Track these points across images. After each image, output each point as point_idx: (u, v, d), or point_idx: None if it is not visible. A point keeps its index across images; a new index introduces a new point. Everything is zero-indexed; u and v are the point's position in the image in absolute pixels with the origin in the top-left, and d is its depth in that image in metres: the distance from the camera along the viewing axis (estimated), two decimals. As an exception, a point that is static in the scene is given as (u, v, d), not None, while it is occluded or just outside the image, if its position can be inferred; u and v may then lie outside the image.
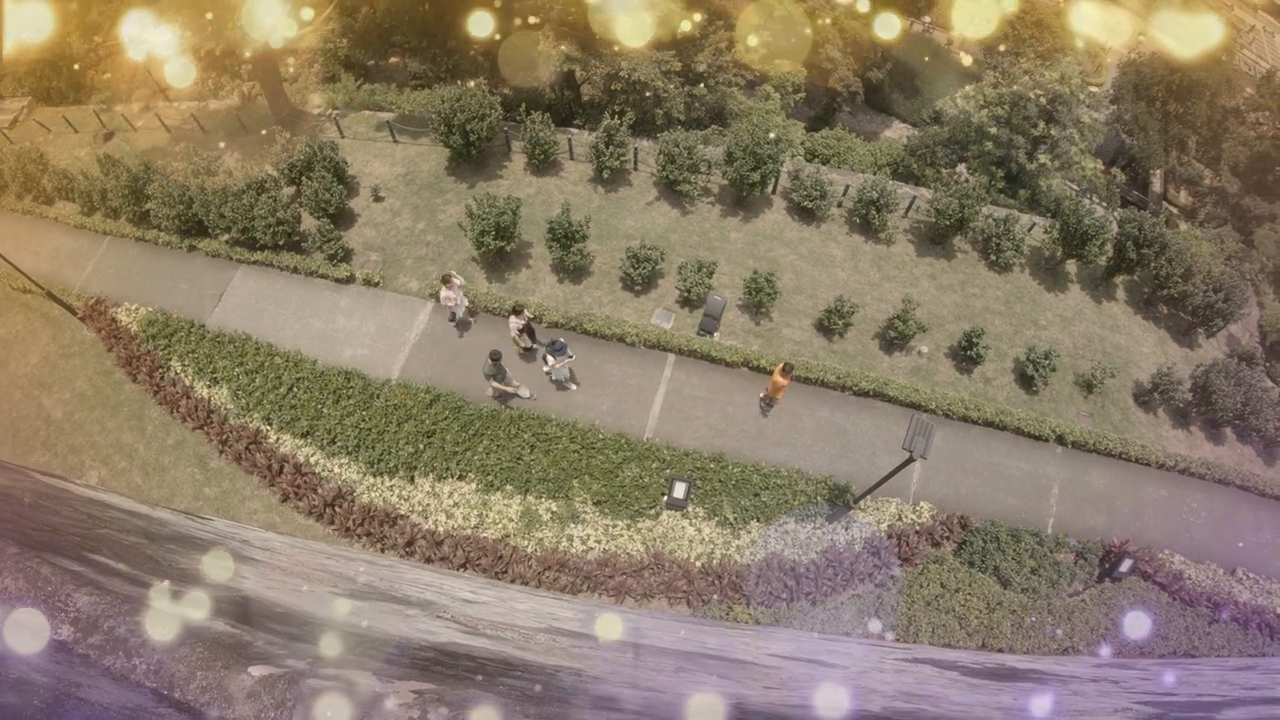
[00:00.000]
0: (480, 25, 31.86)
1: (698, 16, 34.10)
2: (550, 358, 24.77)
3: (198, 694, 4.64)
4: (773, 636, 19.05)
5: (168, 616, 5.63)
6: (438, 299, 27.67)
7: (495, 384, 25.00)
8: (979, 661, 16.50)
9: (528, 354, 26.84)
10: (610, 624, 14.91)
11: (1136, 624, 24.45)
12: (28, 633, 4.82)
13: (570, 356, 25.18)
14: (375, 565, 19.69)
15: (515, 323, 24.97)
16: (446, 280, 25.41)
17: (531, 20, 33.89)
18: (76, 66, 40.75)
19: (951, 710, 9.63)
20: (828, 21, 42.62)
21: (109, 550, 9.33)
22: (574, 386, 26.58)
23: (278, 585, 11.57)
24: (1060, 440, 27.17)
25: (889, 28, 42.66)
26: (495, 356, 23.69)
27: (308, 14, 30.74)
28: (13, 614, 4.87)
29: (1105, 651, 23.76)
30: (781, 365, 24.50)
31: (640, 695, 7.93)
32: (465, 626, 10.80)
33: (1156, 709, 11.50)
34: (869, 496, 24.13)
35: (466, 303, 26.81)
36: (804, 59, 41.83)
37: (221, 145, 35.29)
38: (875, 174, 35.00)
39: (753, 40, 37.81)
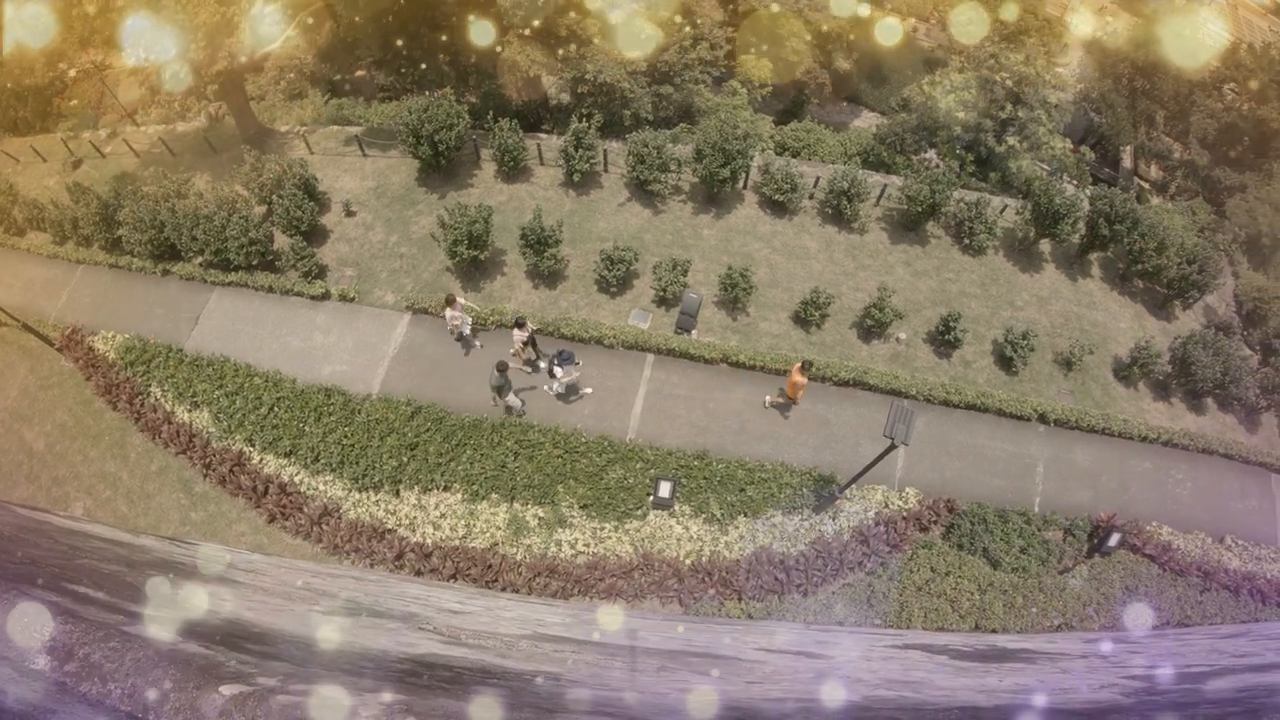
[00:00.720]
0: (445, 35, 31.87)
1: (665, 17, 34.13)
2: (558, 369, 24.71)
3: (171, 715, 4.69)
4: (762, 630, 19.05)
5: (143, 641, 5.65)
6: (418, 312, 27.67)
7: (500, 397, 25.03)
8: (970, 644, 16.52)
9: (530, 365, 26.77)
10: (600, 626, 14.90)
11: (1128, 598, 24.60)
12: (5, 663, 4.89)
13: (578, 364, 25.19)
14: (363, 581, 19.64)
15: (519, 335, 24.92)
16: (450, 301, 25.28)
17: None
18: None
19: (934, 695, 9.65)
20: (793, 15, 42.68)
21: (88, 580, 9.29)
22: (588, 390, 26.58)
23: (258, 605, 11.53)
24: (1042, 419, 27.28)
25: (857, 18, 42.91)
26: (502, 368, 23.61)
27: (274, 32, 30.74)
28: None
29: (1097, 627, 23.87)
30: (799, 364, 24.31)
31: (616, 696, 7.93)
32: (447, 637, 10.78)
33: (1144, 683, 11.55)
34: (854, 485, 24.18)
35: (471, 321, 26.69)
36: (770, 53, 41.89)
37: (191, 173, 35.10)
38: (846, 164, 35.08)
39: (718, 36, 37.83)
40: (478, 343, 27.51)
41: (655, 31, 34.46)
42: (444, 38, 34.19)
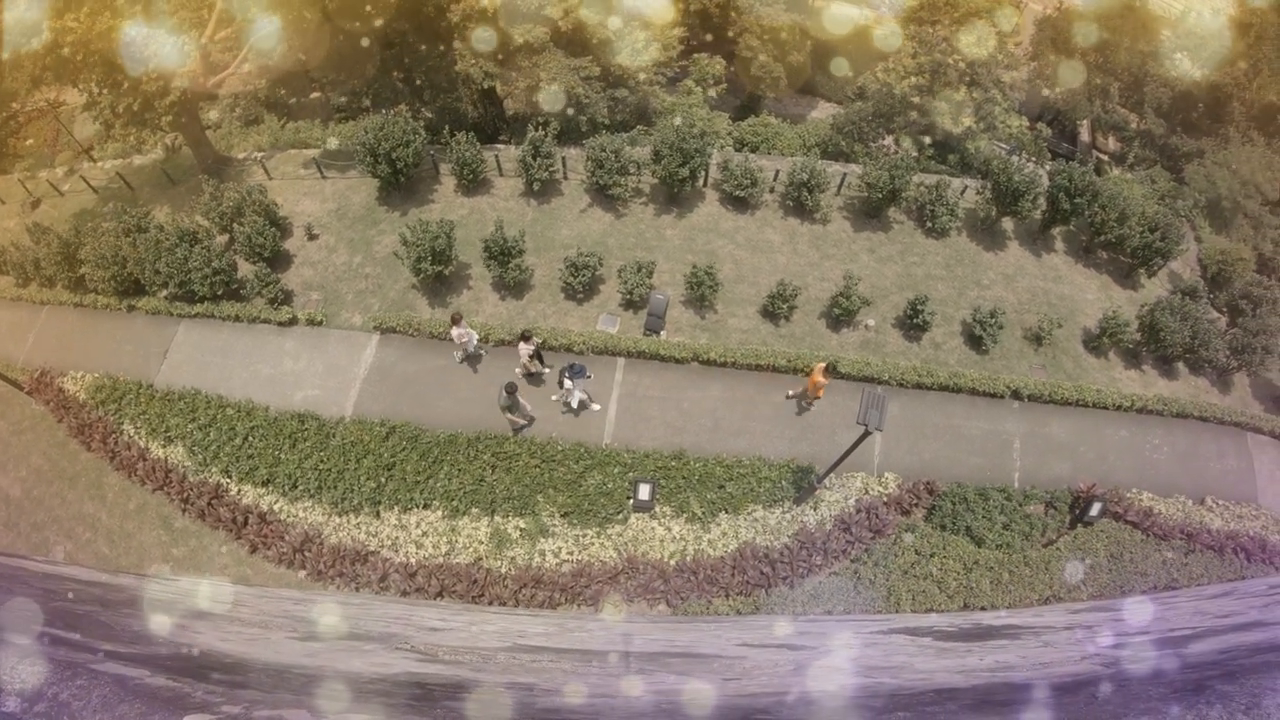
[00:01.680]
0: (395, 51, 31.76)
1: (613, 18, 34.15)
2: (568, 381, 24.64)
3: (134, 747, 4.66)
4: (747, 625, 19.05)
5: (110, 678, 5.63)
6: (386, 331, 27.54)
7: (511, 416, 24.93)
8: (955, 624, 16.55)
9: (534, 378, 26.66)
10: (582, 632, 14.87)
11: (1113, 566, 24.76)
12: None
13: (588, 377, 25.17)
14: (347, 605, 19.53)
15: (525, 349, 24.81)
16: (456, 320, 25.14)
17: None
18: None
19: (912, 679, 9.64)
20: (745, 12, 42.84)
21: (62, 621, 9.21)
22: (596, 406, 26.45)
23: (233, 636, 11.44)
24: (1016, 395, 27.42)
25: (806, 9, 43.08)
26: (511, 389, 23.47)
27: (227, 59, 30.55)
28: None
29: (1085, 596, 23.99)
30: (824, 365, 24.33)
31: (588, 702, 7.90)
32: (423, 655, 10.72)
33: (1126, 650, 11.58)
34: (833, 474, 24.20)
35: (477, 338, 26.55)
36: (722, 50, 42.01)
37: (150, 206, 34.84)
38: (805, 156, 35.14)
39: (670, 36, 37.88)
40: (483, 351, 27.39)
41: (608, 35, 34.47)
42: (396, 54, 34.00)
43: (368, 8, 31.59)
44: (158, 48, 27.99)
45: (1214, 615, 15.80)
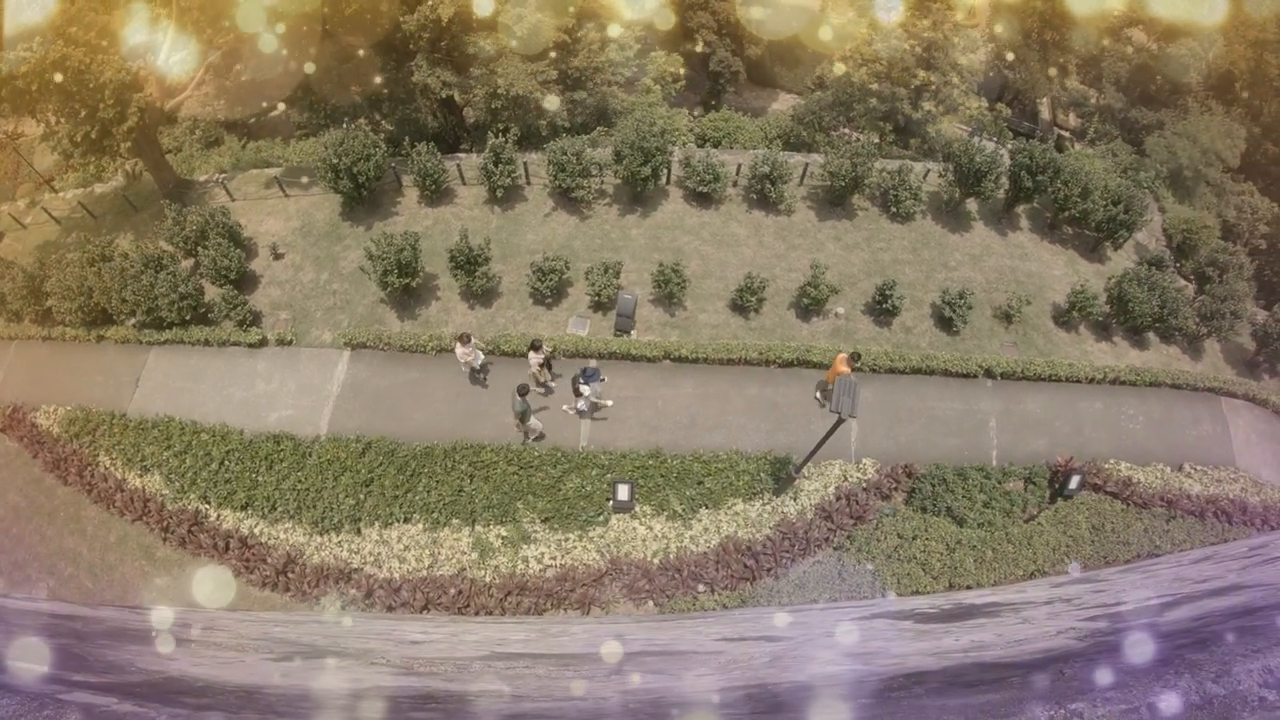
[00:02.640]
0: (352, 65, 31.64)
1: (567, 20, 34.10)
2: (584, 386, 24.57)
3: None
4: (731, 620, 19.03)
5: (76, 706, 5.72)
6: (356, 347, 27.40)
7: (523, 424, 24.82)
8: (936, 605, 16.57)
9: (544, 389, 26.54)
10: (564, 638, 14.82)
11: (1095, 537, 24.91)
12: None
13: (602, 380, 25.18)
14: (327, 624, 19.40)
15: (535, 358, 24.77)
16: (464, 339, 24.99)
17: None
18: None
19: (885, 664, 9.63)
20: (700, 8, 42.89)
21: (34, 655, 9.12)
22: (609, 402, 26.39)
23: (206, 660, 11.36)
24: (989, 374, 27.58)
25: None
26: (523, 391, 23.39)
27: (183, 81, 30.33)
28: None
29: (1071, 569, 24.11)
30: (846, 355, 24.49)
31: (555, 706, 7.87)
32: (399, 669, 10.67)
33: (1102, 622, 11.60)
34: (810, 464, 24.22)
35: (483, 356, 26.39)
36: (680, 47, 42.04)
37: (114, 234, 34.55)
38: (767, 148, 35.20)
39: (625, 35, 37.85)
40: (487, 369, 27.18)
41: (564, 38, 34.42)
42: (353, 67, 33.88)
43: (322, 24, 31.43)
44: (113, 74, 27.75)
45: (1193, 581, 15.89)
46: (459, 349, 25.13)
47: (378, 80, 35.81)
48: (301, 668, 11.29)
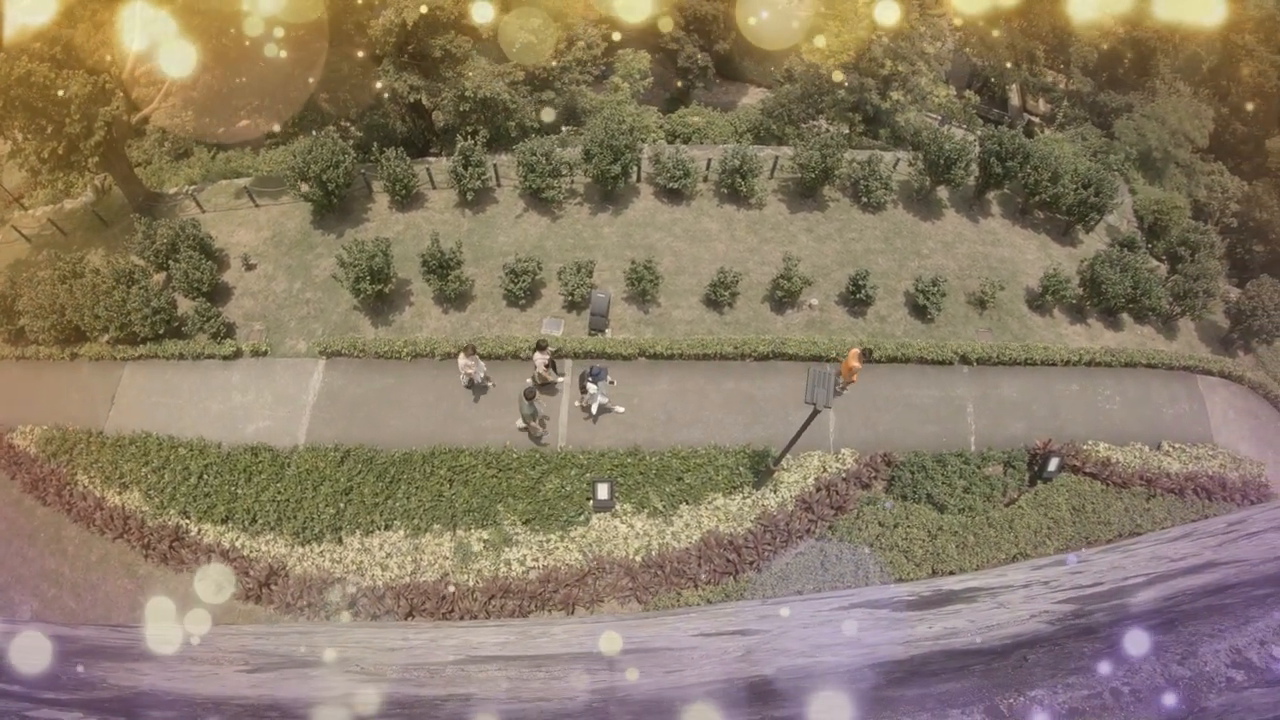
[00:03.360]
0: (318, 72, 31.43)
1: (534, 21, 33.99)
2: (591, 386, 24.53)
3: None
4: (712, 614, 18.96)
5: None
6: (331, 355, 27.27)
7: (530, 424, 24.76)
8: (915, 592, 16.54)
9: (549, 388, 26.42)
10: (543, 639, 14.73)
11: (1076, 519, 25.01)
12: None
13: (611, 381, 25.16)
14: (309, 635, 19.26)
15: (540, 359, 24.67)
16: (468, 351, 24.77)
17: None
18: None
19: (854, 656, 9.58)
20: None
21: (4, 677, 9.01)
22: (620, 409, 26.26)
23: (179, 674, 11.24)
24: (964, 360, 27.62)
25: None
26: (531, 394, 23.40)
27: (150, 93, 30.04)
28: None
29: (1051, 551, 24.15)
30: (858, 350, 24.64)
31: (521, 708, 7.81)
32: (370, 675, 10.59)
33: (1074, 604, 11.57)
34: (789, 456, 24.23)
35: (484, 369, 26.24)
36: (646, 44, 41.97)
37: (85, 251, 34.26)
38: (738, 142, 35.18)
39: (594, 35, 37.78)
40: (491, 384, 26.88)
41: (530, 39, 34.30)
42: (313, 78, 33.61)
43: (286, 31, 31.17)
44: (78, 88, 27.49)
45: (1169, 560, 15.83)
46: (462, 359, 24.91)
47: (344, 86, 35.56)
48: (274, 678, 11.19)
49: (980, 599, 14.25)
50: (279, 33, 30.50)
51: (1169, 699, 5.32)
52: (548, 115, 35.37)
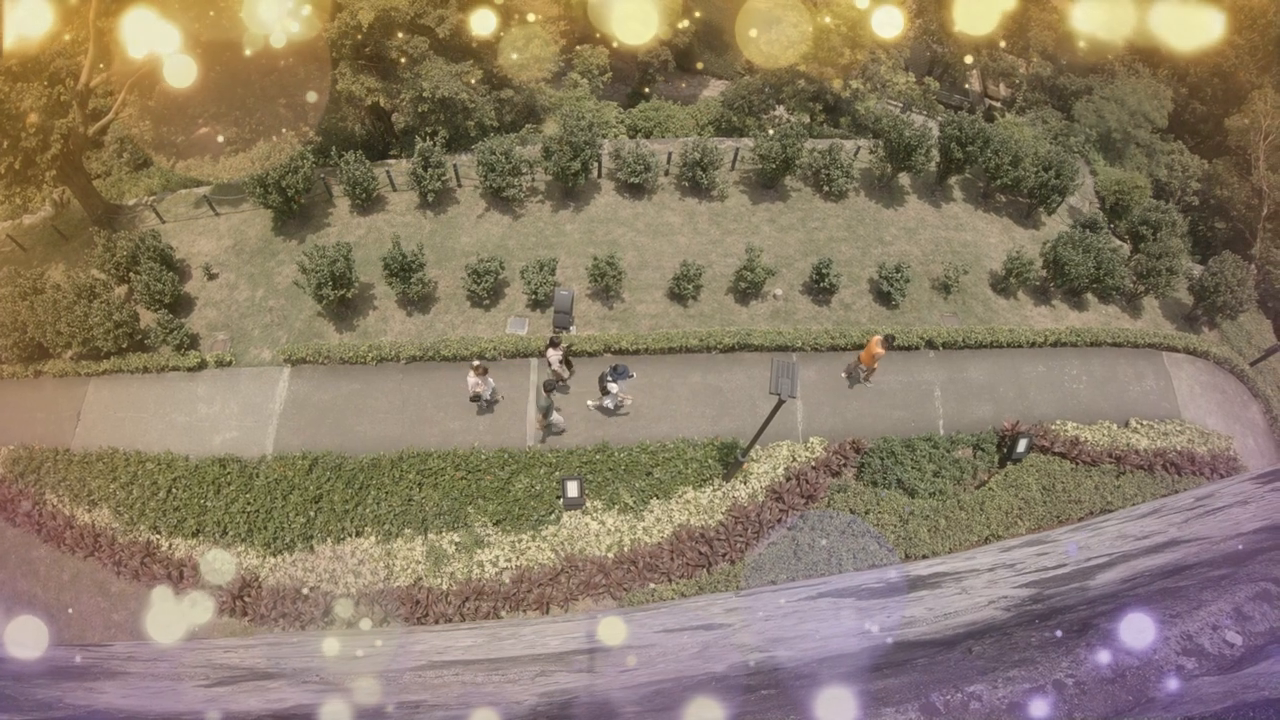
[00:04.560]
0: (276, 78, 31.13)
1: (489, 19, 33.74)
2: (612, 384, 24.40)
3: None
4: (680, 609, 18.89)
5: None
6: (297, 363, 27.05)
7: (548, 419, 24.66)
8: (882, 579, 16.53)
9: (563, 385, 26.26)
10: (511, 641, 14.62)
11: (1047, 498, 25.14)
12: None
13: (632, 377, 25.04)
14: (278, 646, 19.04)
15: (554, 355, 24.63)
16: (480, 370, 24.43)
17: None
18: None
19: (807, 650, 9.52)
20: None
21: None
22: (629, 400, 26.08)
23: (138, 691, 11.08)
24: (930, 345, 27.72)
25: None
26: (549, 387, 23.41)
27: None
28: None
29: (1023, 532, 24.23)
30: (879, 337, 24.78)
31: (461, 713, 7.72)
32: (325, 685, 10.47)
33: (1034, 588, 11.54)
34: (757, 446, 24.21)
35: (494, 386, 25.95)
36: (604, 37, 41.82)
37: (45, 266, 33.83)
38: (699, 135, 35.14)
39: (551, 31, 37.61)
40: (500, 398, 26.62)
41: (488, 37, 34.08)
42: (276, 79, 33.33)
43: (241, 35, 30.87)
44: (33, 101, 27.12)
45: (1134, 539, 15.86)
46: (472, 378, 24.59)
47: (302, 90, 35.26)
48: (231, 692, 11.03)
49: (945, 584, 14.24)
50: (238, 39, 30.26)
51: (1115, 691, 5.22)
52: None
